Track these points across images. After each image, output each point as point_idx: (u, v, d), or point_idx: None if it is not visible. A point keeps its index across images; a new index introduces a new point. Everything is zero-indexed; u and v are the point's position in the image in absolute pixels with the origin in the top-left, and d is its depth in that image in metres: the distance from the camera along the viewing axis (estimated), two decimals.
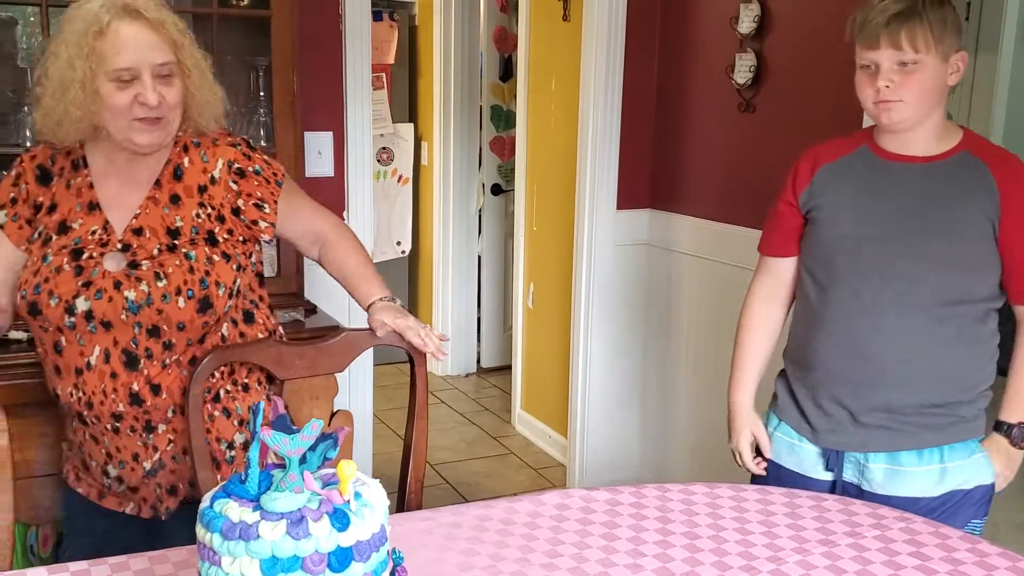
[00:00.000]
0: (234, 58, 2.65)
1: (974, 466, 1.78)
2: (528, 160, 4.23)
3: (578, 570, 1.45)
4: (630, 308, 3.59)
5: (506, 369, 5.19)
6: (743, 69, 2.96)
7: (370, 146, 3.12)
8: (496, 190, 5.18)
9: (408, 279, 5.60)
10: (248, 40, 2.69)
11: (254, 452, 0.94)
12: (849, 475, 1.83)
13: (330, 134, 3.02)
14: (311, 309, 2.69)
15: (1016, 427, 1.79)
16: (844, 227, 1.83)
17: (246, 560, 0.89)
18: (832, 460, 1.84)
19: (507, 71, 5.08)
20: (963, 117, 5.10)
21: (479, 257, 5.32)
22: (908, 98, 1.73)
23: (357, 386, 3.15)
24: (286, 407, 1.05)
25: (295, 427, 0.95)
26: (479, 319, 5.39)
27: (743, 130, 3.04)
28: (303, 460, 0.94)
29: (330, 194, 3.05)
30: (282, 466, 0.98)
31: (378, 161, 4.97)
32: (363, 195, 3.12)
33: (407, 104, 5.34)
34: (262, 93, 2.68)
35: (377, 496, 0.97)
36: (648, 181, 3.50)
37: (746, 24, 2.93)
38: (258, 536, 0.88)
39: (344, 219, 3.07)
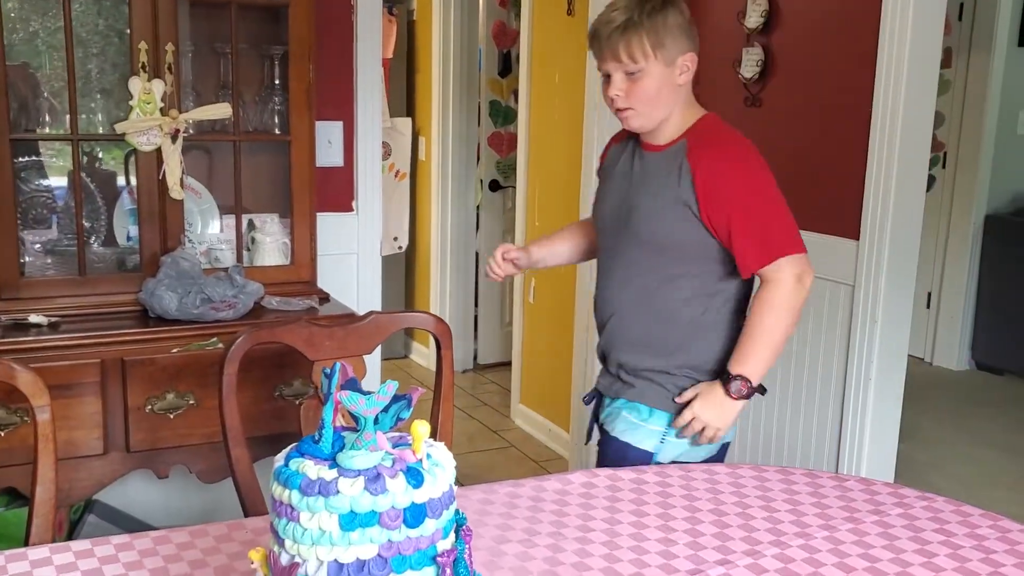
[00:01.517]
0: (249, 47, 2.67)
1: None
2: (530, 155, 4.26)
3: (611, 543, 1.48)
4: None
5: (503, 365, 5.21)
6: (750, 63, 3.01)
7: (379, 137, 3.14)
8: (494, 186, 5.21)
9: (405, 275, 5.62)
10: (263, 29, 2.71)
11: (328, 413, 0.97)
12: (603, 417, 2.07)
13: (340, 124, 3.04)
14: (324, 297, 2.70)
15: (734, 379, 1.88)
16: (599, 205, 2.07)
17: (325, 515, 0.91)
18: (597, 402, 2.13)
19: (506, 66, 5.11)
20: (956, 116, 5.19)
21: (476, 253, 5.34)
22: (638, 106, 1.87)
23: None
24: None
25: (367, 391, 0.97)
26: (476, 316, 5.41)
27: (749, 124, 3.07)
28: (376, 421, 0.97)
29: (339, 184, 3.08)
30: (351, 429, 1.00)
31: None
32: (372, 186, 3.14)
33: (404, 98, 5.36)
34: (277, 82, 2.70)
35: (446, 457, 1.00)
36: None
37: (753, 19, 2.98)
38: (337, 492, 0.91)
39: (353, 210, 3.11)
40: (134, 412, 2.30)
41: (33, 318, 2.29)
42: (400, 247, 5.21)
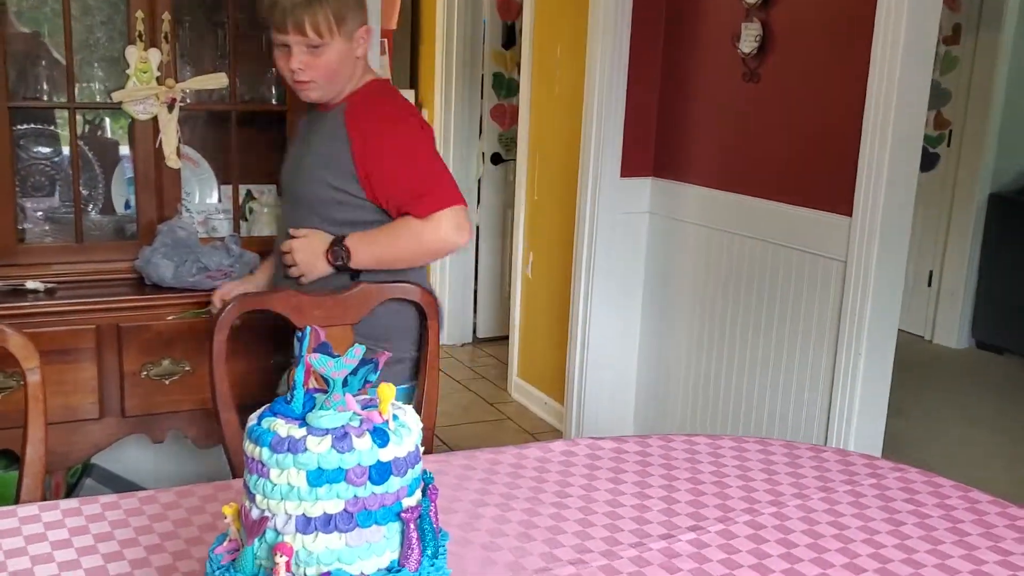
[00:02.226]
0: (246, 16, 2.68)
1: None
2: (531, 128, 4.26)
3: (587, 508, 1.51)
4: (631, 277, 3.64)
5: (502, 340, 5.24)
6: (748, 39, 3.01)
7: None
8: (496, 159, 5.22)
9: None
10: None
11: (299, 375, 1.00)
12: None
13: None
14: None
15: (341, 246, 1.97)
16: (283, 167, 2.16)
17: (294, 472, 0.94)
18: None
19: (510, 38, 5.10)
20: (963, 93, 5.16)
21: (477, 227, 5.36)
22: (319, 78, 1.94)
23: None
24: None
25: (336, 354, 1.00)
26: (476, 290, 5.44)
27: (747, 99, 3.08)
28: (345, 383, 1.00)
29: None
30: (322, 391, 1.03)
31: None
32: None
33: (408, 70, 5.36)
34: None
35: (412, 419, 1.03)
36: (652, 149, 3.55)
37: None
38: (305, 449, 0.94)
39: None
40: (129, 377, 2.34)
41: (30, 284, 2.32)
42: None
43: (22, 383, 2.20)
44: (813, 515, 1.50)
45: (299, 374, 1.00)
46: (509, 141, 5.19)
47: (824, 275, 2.81)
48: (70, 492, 2.71)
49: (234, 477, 1.73)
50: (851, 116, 2.69)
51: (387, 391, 0.98)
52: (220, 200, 2.78)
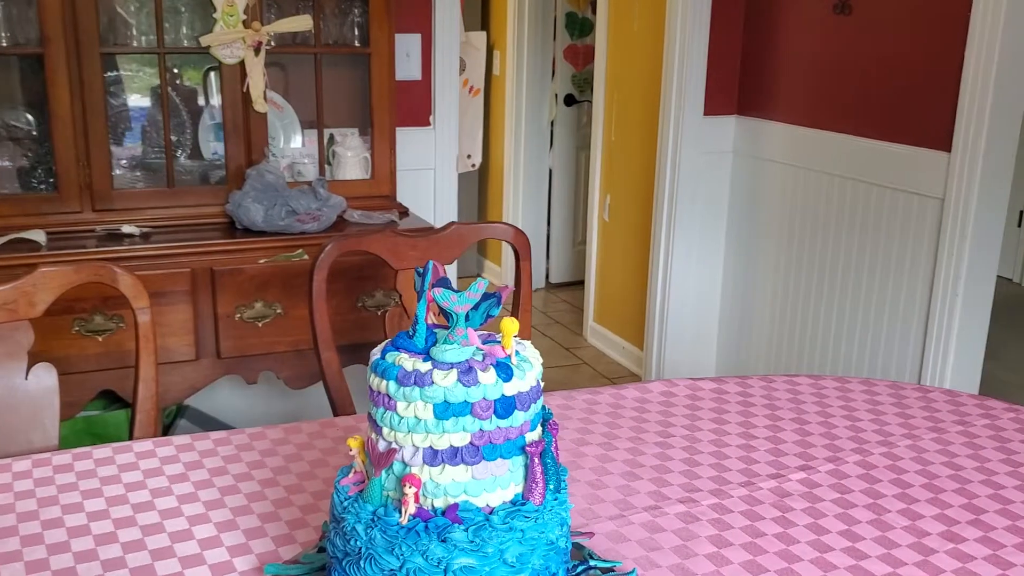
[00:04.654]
0: None
1: None
2: (608, 66, 4.19)
3: (691, 448, 1.49)
4: (714, 218, 3.58)
5: (575, 284, 5.23)
6: None
7: (457, 50, 3.12)
8: (569, 100, 5.15)
9: (478, 193, 5.63)
10: None
11: (421, 309, 0.99)
12: None
13: (418, 36, 3.02)
14: (404, 211, 2.73)
15: None
16: None
17: (420, 405, 0.94)
18: None
19: None
20: None
21: (550, 171, 5.31)
22: None
23: None
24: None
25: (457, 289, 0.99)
26: (548, 234, 5.41)
27: (838, 32, 2.97)
28: (467, 318, 0.99)
29: (417, 98, 3.08)
30: (442, 327, 1.03)
31: None
32: (449, 100, 3.13)
33: (480, 12, 5.29)
34: None
35: (532, 354, 1.02)
36: (736, 86, 3.46)
37: None
38: (432, 383, 0.94)
39: (430, 124, 3.11)
40: (223, 320, 2.38)
41: (126, 228, 2.37)
42: (473, 165, 5.20)
43: (122, 325, 2.27)
44: (925, 455, 1.46)
45: (421, 308, 0.99)
46: (583, 82, 5.11)
47: (919, 214, 2.72)
48: (165, 432, 2.79)
49: (335, 415, 1.75)
50: (953, 43, 2.57)
51: (510, 325, 0.97)
52: (304, 145, 2.79)
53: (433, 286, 1.00)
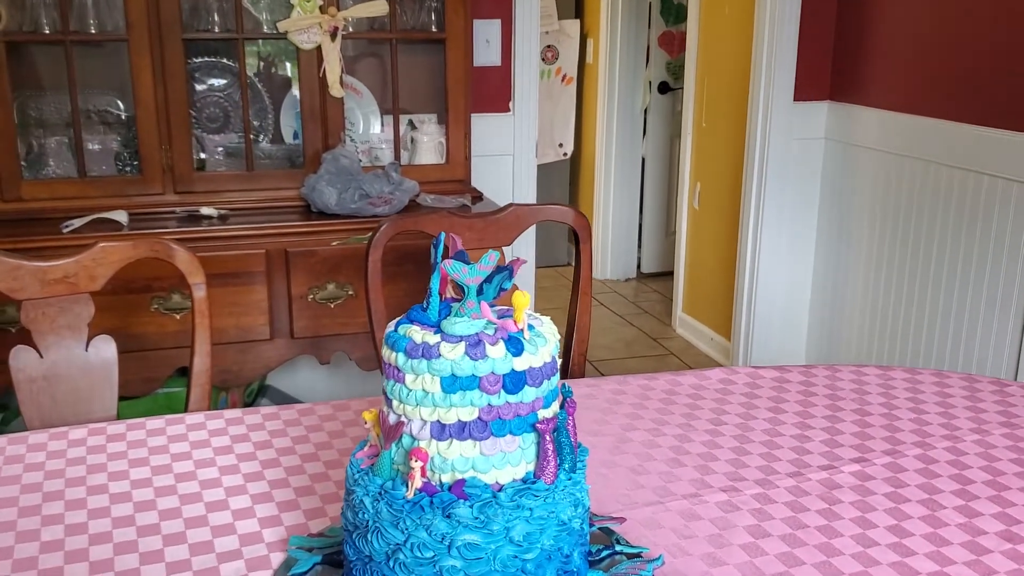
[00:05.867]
0: None
1: None
2: (699, 52, 4.10)
3: (743, 436, 1.44)
4: (803, 206, 3.46)
5: (666, 275, 5.14)
6: None
7: (537, 36, 3.10)
8: (663, 88, 5.06)
9: (569, 182, 5.60)
10: None
11: (435, 282, 0.98)
12: None
13: (498, 22, 3.01)
14: (478, 196, 2.73)
15: None
16: None
17: (428, 377, 0.93)
18: None
19: None
20: None
21: (643, 159, 5.24)
22: None
23: (521, 286, 3.20)
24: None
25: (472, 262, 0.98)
26: (640, 224, 5.33)
27: (936, 13, 2.83)
28: (480, 291, 0.97)
29: (496, 84, 3.07)
30: (459, 300, 1.01)
31: (542, 60, 4.93)
32: (529, 87, 3.11)
33: (573, 0, 5.25)
34: None
35: (549, 330, 0.99)
36: (828, 71, 3.33)
37: None
38: (439, 355, 0.92)
39: (510, 111, 3.10)
40: (297, 301, 2.43)
41: (204, 210, 2.43)
42: (565, 153, 5.18)
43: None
44: (993, 451, 1.38)
45: (434, 280, 0.98)
46: (677, 69, 5.02)
47: (1019, 202, 2.56)
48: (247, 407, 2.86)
49: None
50: None
51: (522, 299, 0.95)
52: (383, 130, 2.81)
53: (450, 258, 0.99)
